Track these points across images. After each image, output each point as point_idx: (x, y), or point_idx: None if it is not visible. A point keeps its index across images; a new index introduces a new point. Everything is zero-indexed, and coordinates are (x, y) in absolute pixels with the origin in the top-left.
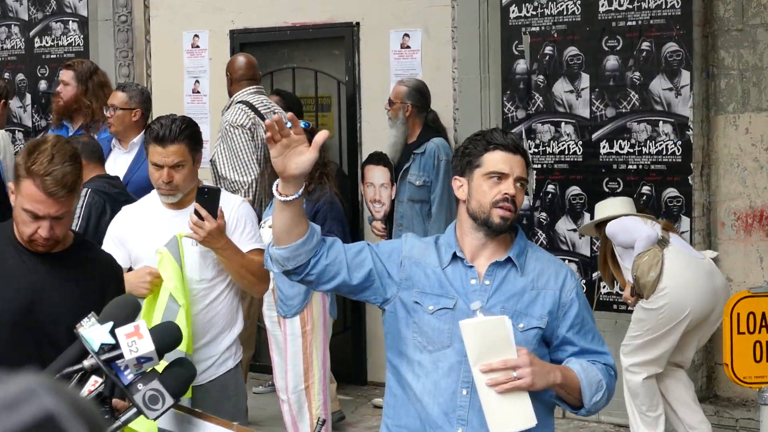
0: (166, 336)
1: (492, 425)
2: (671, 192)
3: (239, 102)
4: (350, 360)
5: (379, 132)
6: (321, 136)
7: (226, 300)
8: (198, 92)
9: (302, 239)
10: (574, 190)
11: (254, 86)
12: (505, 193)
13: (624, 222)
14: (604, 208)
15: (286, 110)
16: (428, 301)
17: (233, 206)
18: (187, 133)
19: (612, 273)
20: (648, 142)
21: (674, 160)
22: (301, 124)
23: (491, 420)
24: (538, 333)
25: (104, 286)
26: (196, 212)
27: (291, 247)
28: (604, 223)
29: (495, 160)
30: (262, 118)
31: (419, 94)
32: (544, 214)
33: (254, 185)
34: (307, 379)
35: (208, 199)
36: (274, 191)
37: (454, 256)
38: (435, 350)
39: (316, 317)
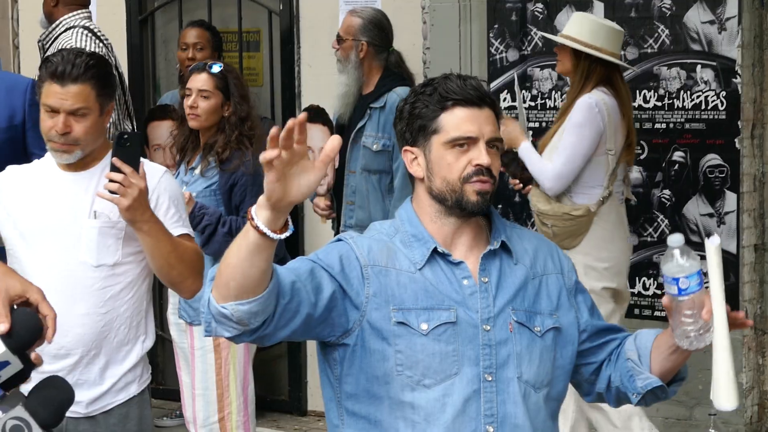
0: (21, 326)
1: (730, 394)
2: (712, 159)
3: (77, 27)
4: (285, 384)
5: (324, 78)
6: (332, 145)
7: (134, 299)
8: None
9: (273, 281)
10: None
11: (85, 11)
12: (477, 164)
13: (586, 116)
14: (577, 24)
15: (216, 49)
16: (417, 319)
17: (153, 177)
18: (95, 71)
19: None
20: (681, 92)
21: (717, 116)
22: (213, 68)
23: (730, 388)
24: (556, 335)
25: None
26: (114, 167)
27: (263, 297)
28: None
29: (456, 121)
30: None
31: (378, 30)
32: None
33: None
34: (222, 408)
35: (130, 148)
36: (260, 225)
37: (434, 253)
38: (437, 383)
39: None
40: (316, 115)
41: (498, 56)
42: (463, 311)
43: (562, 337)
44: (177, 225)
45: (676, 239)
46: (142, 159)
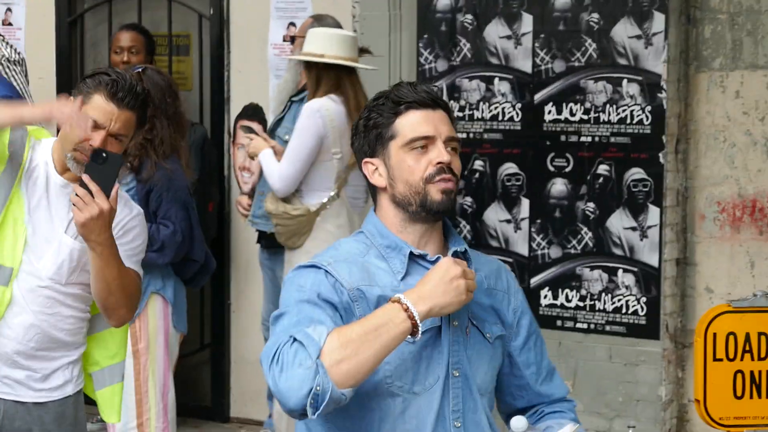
0: None
1: None
2: (636, 173)
3: None
4: (208, 389)
5: (254, 84)
6: None
7: (78, 313)
8: (10, 24)
9: None
10: (509, 168)
11: None
12: (439, 162)
13: (307, 121)
14: (308, 39)
15: (150, 53)
16: None
17: (131, 211)
18: (144, 102)
19: None
20: (607, 106)
21: (641, 131)
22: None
23: None
24: (501, 345)
25: None
26: (82, 184)
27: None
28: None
29: (412, 123)
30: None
31: None
32: (469, 200)
33: None
34: (141, 414)
35: (106, 167)
36: (418, 318)
37: (412, 257)
38: (425, 389)
39: (153, 331)
40: (255, 112)
41: (427, 66)
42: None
43: (502, 349)
44: (131, 259)
45: (519, 424)
46: (122, 195)
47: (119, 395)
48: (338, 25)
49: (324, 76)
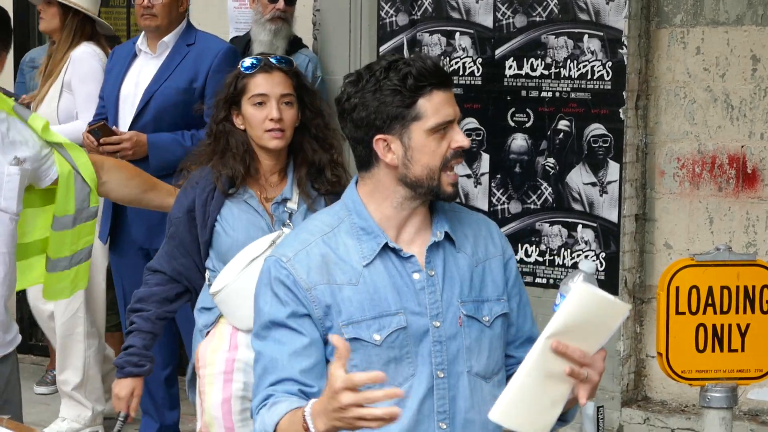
0: None
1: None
2: (597, 129)
3: None
4: None
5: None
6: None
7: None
8: None
9: None
10: (470, 123)
11: None
12: (459, 146)
13: (94, 64)
14: None
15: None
16: (369, 330)
17: None
18: None
19: None
20: (568, 62)
21: (602, 86)
22: (283, 62)
23: (517, 411)
24: (505, 322)
25: None
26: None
27: None
28: None
29: (436, 105)
30: None
31: None
32: None
33: None
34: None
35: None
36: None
37: (384, 248)
38: (399, 386)
39: None
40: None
41: (388, 20)
42: (411, 311)
43: (505, 325)
44: None
45: (587, 265)
46: None
47: (66, 281)
48: None
49: (84, 27)
